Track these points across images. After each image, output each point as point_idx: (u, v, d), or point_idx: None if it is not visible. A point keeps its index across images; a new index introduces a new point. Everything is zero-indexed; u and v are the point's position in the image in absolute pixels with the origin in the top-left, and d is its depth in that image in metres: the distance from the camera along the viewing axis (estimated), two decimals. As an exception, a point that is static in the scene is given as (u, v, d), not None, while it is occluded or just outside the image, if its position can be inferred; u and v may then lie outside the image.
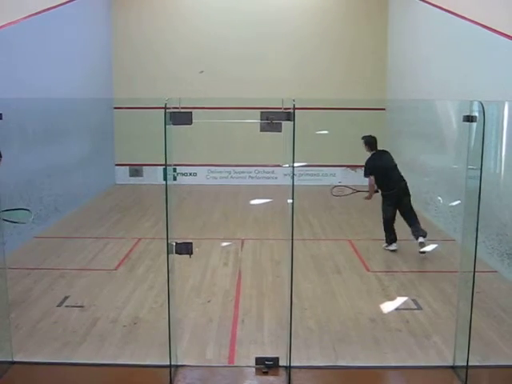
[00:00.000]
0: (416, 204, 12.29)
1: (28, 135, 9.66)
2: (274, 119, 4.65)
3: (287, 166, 5.00)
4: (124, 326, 6.21)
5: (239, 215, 11.87)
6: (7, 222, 5.47)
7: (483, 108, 4.70)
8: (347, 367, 5.33)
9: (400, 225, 11.04)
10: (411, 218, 9.14)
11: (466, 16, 9.87)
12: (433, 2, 11.70)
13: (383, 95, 15.68)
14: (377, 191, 9.36)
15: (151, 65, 15.81)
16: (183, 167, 15.27)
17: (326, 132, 14.23)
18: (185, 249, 5.16)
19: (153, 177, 15.36)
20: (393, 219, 9.30)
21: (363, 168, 9.36)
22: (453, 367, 5.23)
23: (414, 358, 5.51)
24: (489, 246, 8.39)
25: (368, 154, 9.37)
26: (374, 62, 15.81)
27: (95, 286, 7.52)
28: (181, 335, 5.77)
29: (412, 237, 8.97)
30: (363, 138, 9.36)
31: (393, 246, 9.28)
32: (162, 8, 15.74)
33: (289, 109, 4.66)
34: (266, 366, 5.21)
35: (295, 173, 4.87)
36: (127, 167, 15.97)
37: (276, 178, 15.69)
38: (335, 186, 9.45)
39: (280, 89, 14.63)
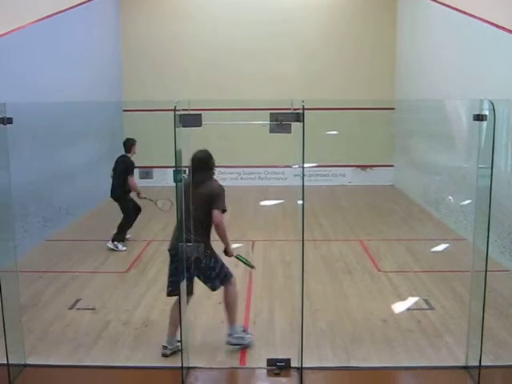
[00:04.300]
0: (427, 203, 12.31)
1: (38, 138, 9.69)
2: (283, 120, 4.65)
3: (297, 166, 4.99)
4: (136, 328, 6.23)
5: (249, 216, 11.86)
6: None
7: (493, 106, 4.68)
8: (359, 368, 5.32)
9: (403, 225, 11.05)
10: None
11: (476, 14, 9.83)
12: (441, 1, 11.65)
13: (392, 95, 15.63)
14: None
15: (160, 66, 15.85)
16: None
17: (335, 132, 14.21)
18: (195, 251, 5.16)
19: (163, 179, 15.37)
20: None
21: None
22: (465, 367, 5.21)
23: (427, 359, 5.49)
24: (500, 245, 8.35)
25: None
26: (382, 61, 15.76)
27: (107, 288, 7.54)
28: (192, 337, 5.77)
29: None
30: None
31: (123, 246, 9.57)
32: (170, 9, 15.76)
33: (298, 109, 4.65)
34: (278, 367, 5.20)
35: (305, 173, 4.86)
36: (137, 169, 15.96)
37: (286, 178, 15.68)
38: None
39: (288, 89, 14.62)
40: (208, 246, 5.58)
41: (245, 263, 6.12)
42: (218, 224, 5.55)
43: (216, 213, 5.49)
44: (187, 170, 5.23)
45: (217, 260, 5.67)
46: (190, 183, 5.24)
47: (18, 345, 5.25)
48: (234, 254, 5.90)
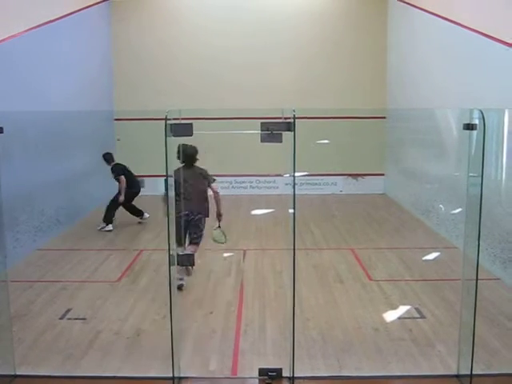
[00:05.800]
0: (418, 212, 12.35)
1: (29, 148, 9.66)
2: (274, 130, 4.65)
3: (288, 175, 5.00)
4: (127, 337, 6.19)
5: (241, 225, 11.84)
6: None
7: (483, 116, 4.71)
8: (351, 377, 5.31)
9: (395, 234, 11.08)
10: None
11: (465, 24, 9.90)
12: (431, 11, 11.74)
13: (384, 103, 15.69)
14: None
15: (152, 75, 15.82)
16: (184, 178, 15.23)
17: (326, 141, 14.25)
18: (187, 260, 5.16)
19: (154, 188, 15.32)
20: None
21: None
22: (457, 376, 5.22)
23: (418, 367, 5.49)
24: (491, 254, 8.38)
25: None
26: (374, 70, 15.82)
27: (97, 298, 7.50)
28: (184, 347, 5.76)
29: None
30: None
31: (109, 227, 11.46)
32: (163, 19, 15.76)
33: (289, 118, 4.66)
34: (270, 376, 5.19)
35: (296, 182, 4.87)
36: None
37: (277, 187, 15.65)
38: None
39: (280, 97, 14.67)
40: (207, 208, 7.96)
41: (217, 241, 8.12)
42: (217, 192, 7.97)
43: (215, 185, 7.95)
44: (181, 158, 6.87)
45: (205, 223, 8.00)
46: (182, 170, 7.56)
47: (8, 355, 5.22)
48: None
